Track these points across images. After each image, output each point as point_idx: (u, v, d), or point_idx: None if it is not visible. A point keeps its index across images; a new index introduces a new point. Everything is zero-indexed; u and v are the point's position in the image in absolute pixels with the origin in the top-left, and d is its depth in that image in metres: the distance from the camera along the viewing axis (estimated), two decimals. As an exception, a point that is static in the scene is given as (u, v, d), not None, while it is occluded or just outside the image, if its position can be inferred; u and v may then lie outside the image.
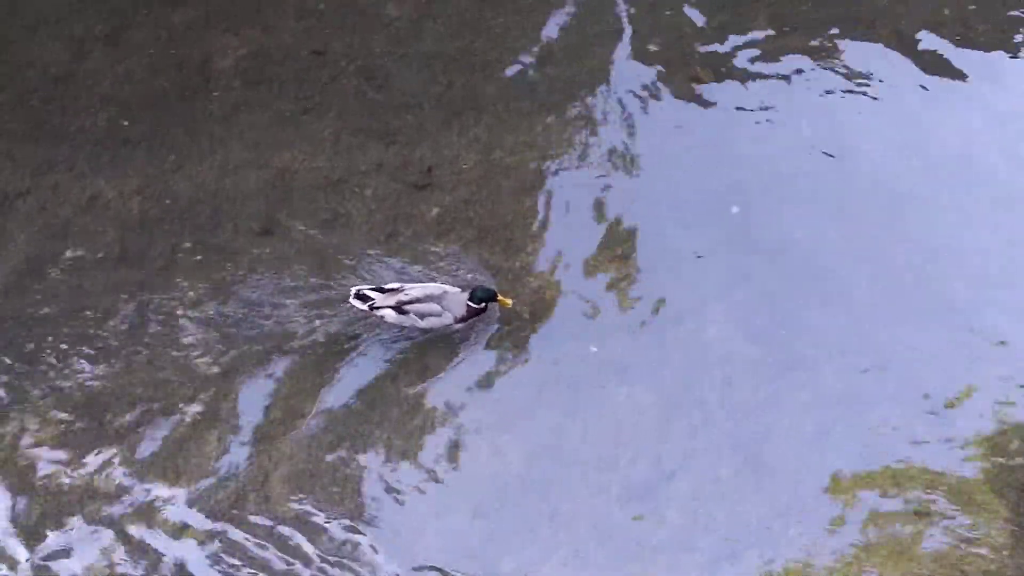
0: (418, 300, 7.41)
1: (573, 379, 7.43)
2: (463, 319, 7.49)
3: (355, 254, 8.00)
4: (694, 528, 6.80)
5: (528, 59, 9.30)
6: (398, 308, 7.40)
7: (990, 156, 8.56)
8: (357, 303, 7.45)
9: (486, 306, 7.47)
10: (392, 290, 7.46)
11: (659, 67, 9.23)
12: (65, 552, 6.75)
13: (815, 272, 7.95)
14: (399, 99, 9.00)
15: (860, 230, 8.16)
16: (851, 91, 9.01)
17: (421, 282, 7.65)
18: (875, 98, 8.98)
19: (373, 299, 7.43)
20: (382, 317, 7.48)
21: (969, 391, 7.32)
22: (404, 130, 8.80)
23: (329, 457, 7.11)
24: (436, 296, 7.43)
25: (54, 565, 6.71)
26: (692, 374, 7.42)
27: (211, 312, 7.72)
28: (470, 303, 7.41)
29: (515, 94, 9.06)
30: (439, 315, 7.42)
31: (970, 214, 8.23)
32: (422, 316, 7.43)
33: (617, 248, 8.12)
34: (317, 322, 7.62)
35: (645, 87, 9.12)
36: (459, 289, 7.54)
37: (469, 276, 7.80)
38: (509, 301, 7.49)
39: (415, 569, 6.68)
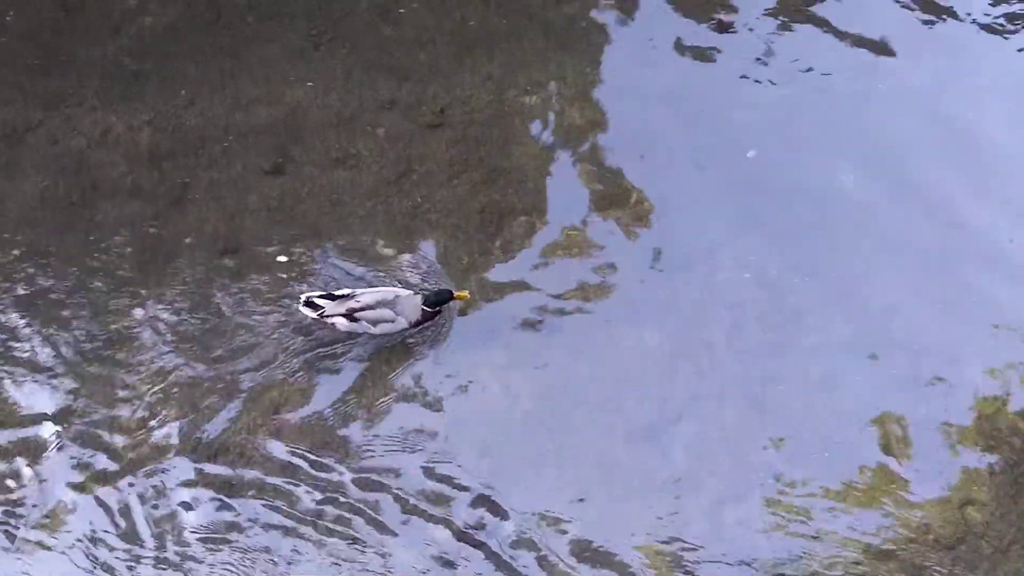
0: (369, 307, 7.12)
1: (582, 320, 7.43)
2: (417, 323, 7.23)
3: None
4: (699, 469, 6.84)
5: (543, -4, 9.18)
6: (349, 316, 7.13)
7: (1007, 105, 8.47)
8: (307, 311, 7.17)
9: (440, 309, 7.28)
10: (343, 296, 7.18)
11: (679, 6, 9.09)
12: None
13: (827, 218, 7.91)
14: (412, 35, 8.90)
15: (875, 177, 8.10)
16: (871, 37, 8.89)
17: (373, 286, 7.40)
18: (897, 43, 8.86)
19: (323, 307, 7.14)
20: (333, 325, 7.20)
21: (977, 341, 7.31)
22: (417, 67, 8.72)
23: (338, 393, 7.16)
24: (388, 301, 7.14)
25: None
26: (701, 317, 7.42)
27: (221, 249, 7.74)
28: (425, 307, 7.19)
29: (529, 32, 8.95)
30: (392, 321, 7.15)
31: (986, 163, 8.16)
32: (374, 323, 7.16)
33: (631, 189, 8.06)
34: (335, 260, 7.62)
35: (664, 26, 8.99)
36: (411, 292, 7.28)
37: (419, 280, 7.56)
38: (466, 293, 7.29)
39: (425, 497, 6.75)
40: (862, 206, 7.96)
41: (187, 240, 7.78)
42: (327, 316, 7.17)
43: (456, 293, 7.25)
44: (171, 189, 8.05)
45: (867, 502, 6.74)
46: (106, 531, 6.67)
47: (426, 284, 7.51)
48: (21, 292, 7.58)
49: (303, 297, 7.26)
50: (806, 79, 8.68)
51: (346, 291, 7.26)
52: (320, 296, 7.23)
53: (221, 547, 6.60)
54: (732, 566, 6.51)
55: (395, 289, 7.32)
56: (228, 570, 6.54)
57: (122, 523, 6.69)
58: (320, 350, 7.28)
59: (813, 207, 7.96)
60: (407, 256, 7.68)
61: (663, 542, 6.62)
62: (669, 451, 6.90)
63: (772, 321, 7.40)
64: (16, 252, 7.77)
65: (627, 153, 8.30)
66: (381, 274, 7.57)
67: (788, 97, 8.56)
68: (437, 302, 7.22)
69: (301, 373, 7.20)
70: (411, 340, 7.32)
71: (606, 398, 7.10)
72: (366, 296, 7.18)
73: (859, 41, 8.89)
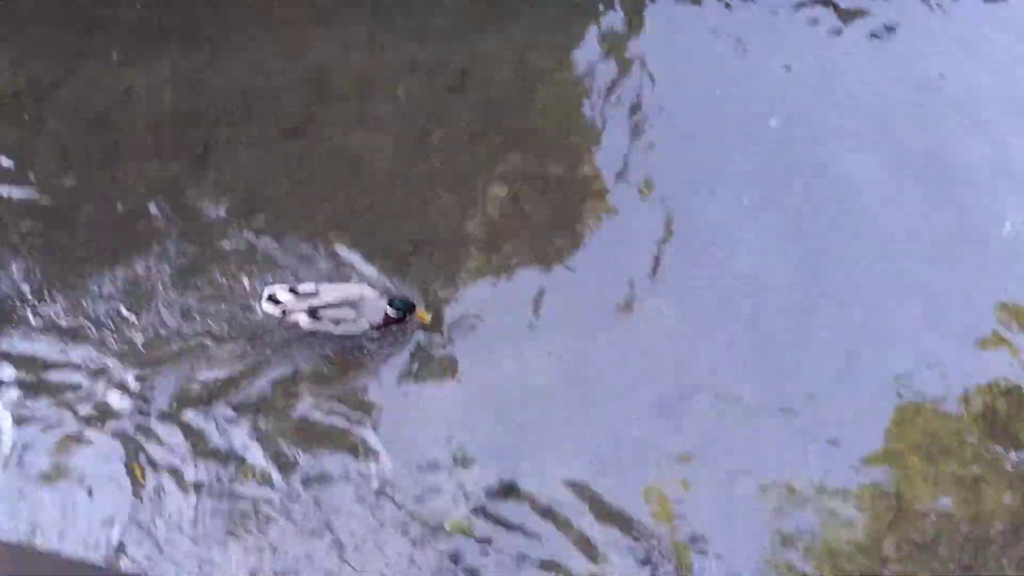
0: (332, 305, 6.86)
1: (600, 294, 7.47)
2: (379, 326, 7.02)
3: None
4: (714, 443, 6.93)
5: (565, -40, 9.08)
6: (311, 313, 6.88)
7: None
8: (269, 307, 6.92)
9: (404, 316, 7.08)
10: (307, 293, 6.90)
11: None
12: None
13: (851, 200, 7.90)
14: (435, -1, 8.85)
15: (900, 157, 8.07)
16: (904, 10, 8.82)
17: (336, 282, 7.13)
18: (927, 19, 8.79)
19: (284, 303, 6.88)
20: (295, 323, 6.96)
21: (999, 330, 7.35)
22: (438, 31, 8.66)
23: (353, 358, 7.23)
24: (353, 300, 6.88)
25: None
26: (720, 297, 7.45)
27: (243, 213, 7.77)
28: (388, 310, 7.00)
29: (552, -2, 8.89)
30: (354, 320, 6.91)
31: (1017, 146, 8.12)
32: (336, 322, 6.91)
33: (652, 162, 8.05)
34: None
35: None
36: (378, 293, 7.01)
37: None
38: (427, 316, 7.07)
39: (437, 468, 6.85)
40: (888, 196, 7.91)
41: (207, 199, 7.82)
42: (289, 313, 6.95)
43: (419, 311, 7.08)
44: (192, 149, 8.07)
45: (883, 485, 6.84)
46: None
47: (396, 289, 7.35)
48: (44, 251, 7.64)
49: (267, 292, 6.96)
50: (832, 48, 8.60)
51: (310, 287, 6.94)
52: (284, 290, 6.93)
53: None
54: (742, 538, 6.62)
55: (362, 288, 6.99)
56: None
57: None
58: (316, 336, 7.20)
59: (836, 187, 7.94)
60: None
61: (676, 513, 6.74)
62: (684, 424, 6.98)
63: (792, 303, 7.43)
64: (41, 209, 7.83)
65: (651, 123, 8.27)
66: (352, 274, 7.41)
67: (814, 67, 8.49)
68: (400, 308, 7.03)
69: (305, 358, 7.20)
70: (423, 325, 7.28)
71: (622, 370, 7.16)
72: (329, 293, 6.89)
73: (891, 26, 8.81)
